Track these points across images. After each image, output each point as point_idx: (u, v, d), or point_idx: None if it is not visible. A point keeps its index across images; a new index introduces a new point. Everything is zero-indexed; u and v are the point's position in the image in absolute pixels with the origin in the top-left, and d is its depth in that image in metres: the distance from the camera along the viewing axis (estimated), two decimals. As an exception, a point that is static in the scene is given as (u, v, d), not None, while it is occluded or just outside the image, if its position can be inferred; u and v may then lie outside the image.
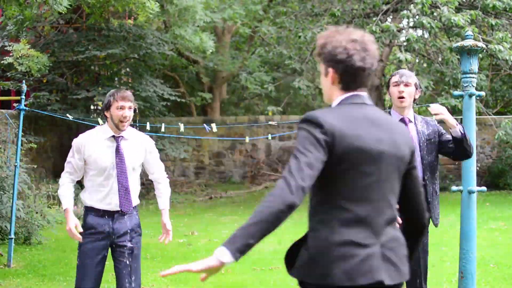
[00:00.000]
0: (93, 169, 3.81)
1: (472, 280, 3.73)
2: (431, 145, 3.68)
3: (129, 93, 3.89)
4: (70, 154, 3.88)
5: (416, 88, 3.73)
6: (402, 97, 3.65)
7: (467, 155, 3.65)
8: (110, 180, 3.78)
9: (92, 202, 3.80)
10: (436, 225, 3.72)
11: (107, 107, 3.82)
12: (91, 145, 3.81)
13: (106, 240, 3.77)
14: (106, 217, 3.77)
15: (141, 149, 3.91)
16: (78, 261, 3.80)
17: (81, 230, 3.68)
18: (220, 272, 6.65)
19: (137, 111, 13.65)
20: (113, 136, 3.83)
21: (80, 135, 3.91)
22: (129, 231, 3.83)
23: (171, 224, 4.05)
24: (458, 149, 3.63)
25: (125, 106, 3.81)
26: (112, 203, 3.79)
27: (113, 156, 3.79)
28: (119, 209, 3.79)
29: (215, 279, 6.02)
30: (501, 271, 6.27)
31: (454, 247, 7.26)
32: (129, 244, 3.82)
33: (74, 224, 3.64)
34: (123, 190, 3.79)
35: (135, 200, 3.93)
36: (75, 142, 3.85)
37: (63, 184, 3.87)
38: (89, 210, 3.82)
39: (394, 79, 3.72)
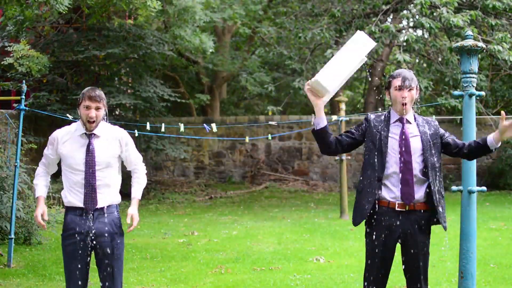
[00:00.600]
0: (67, 166, 3.79)
1: (472, 280, 3.73)
2: (433, 146, 3.58)
3: (98, 93, 3.78)
4: (46, 147, 3.91)
5: (417, 89, 3.64)
6: (405, 103, 3.55)
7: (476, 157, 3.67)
8: (82, 177, 3.77)
9: (69, 200, 3.79)
10: (445, 228, 3.63)
11: (78, 104, 3.82)
12: (65, 142, 3.80)
13: (87, 240, 3.74)
14: (85, 216, 3.73)
15: (115, 143, 3.84)
16: (64, 264, 3.81)
17: (46, 218, 3.83)
18: (220, 272, 6.66)
19: (137, 112, 13.52)
20: (85, 133, 3.79)
21: (56, 130, 3.89)
22: (109, 230, 3.76)
23: (138, 215, 3.87)
24: (476, 154, 3.63)
25: (91, 106, 3.73)
26: (81, 200, 3.76)
27: (84, 152, 3.75)
28: (95, 207, 3.74)
29: (215, 279, 6.03)
30: (501, 271, 6.27)
31: (454, 247, 7.26)
32: (109, 244, 3.76)
33: (41, 212, 3.79)
34: (89, 188, 3.72)
35: (109, 200, 3.80)
36: (51, 136, 3.87)
37: (38, 174, 3.97)
38: (68, 209, 3.81)
39: (397, 82, 3.56)
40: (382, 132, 3.59)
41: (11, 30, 11.74)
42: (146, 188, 14.81)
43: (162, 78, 15.88)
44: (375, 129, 3.62)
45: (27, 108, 7.26)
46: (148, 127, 8.47)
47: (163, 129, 8.57)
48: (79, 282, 3.75)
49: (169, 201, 13.48)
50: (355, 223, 3.64)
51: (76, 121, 4.02)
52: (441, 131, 3.69)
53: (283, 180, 16.12)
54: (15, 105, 11.32)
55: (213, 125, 8.28)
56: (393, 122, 3.62)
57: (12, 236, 6.68)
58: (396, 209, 3.53)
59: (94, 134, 3.78)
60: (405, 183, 3.51)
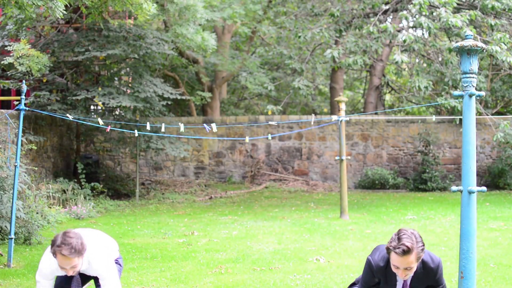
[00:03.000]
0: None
1: (472, 280, 3.72)
2: None
3: (68, 256, 3.49)
4: (38, 277, 3.81)
5: (421, 256, 3.63)
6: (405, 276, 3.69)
7: None
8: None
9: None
10: None
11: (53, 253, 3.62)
12: (54, 275, 3.82)
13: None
14: None
15: (95, 274, 3.85)
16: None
17: None
18: (220, 272, 6.66)
19: (137, 112, 13.48)
20: None
21: (43, 267, 3.77)
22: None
23: None
24: None
25: (65, 267, 3.57)
26: None
27: (71, 284, 3.85)
28: None
29: (215, 279, 6.03)
30: (501, 271, 6.27)
31: (454, 247, 7.26)
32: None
33: None
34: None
35: None
36: (41, 272, 3.77)
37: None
38: None
39: (394, 261, 3.60)
40: (386, 282, 3.79)
41: (11, 29, 11.75)
42: (146, 188, 14.88)
43: (162, 78, 15.88)
44: (380, 276, 3.79)
45: (27, 108, 7.26)
46: (148, 127, 8.47)
47: (163, 129, 8.57)
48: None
49: (169, 201, 13.48)
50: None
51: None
52: (437, 278, 3.81)
53: (283, 180, 16.12)
54: (15, 103, 11.31)
55: (213, 125, 8.28)
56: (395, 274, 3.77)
57: (12, 236, 6.68)
58: None
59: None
60: None
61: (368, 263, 3.77)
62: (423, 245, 3.58)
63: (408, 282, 3.73)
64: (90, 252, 3.70)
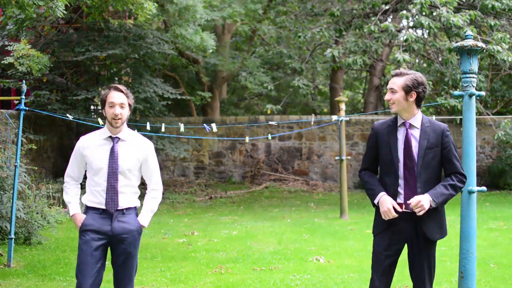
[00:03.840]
0: (90, 170, 3.85)
1: (472, 280, 3.73)
2: (431, 155, 3.59)
3: (121, 90, 3.79)
4: (72, 156, 3.94)
5: (411, 89, 3.57)
6: (389, 103, 3.67)
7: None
8: (104, 179, 3.81)
9: (91, 203, 3.84)
10: (434, 239, 3.70)
11: (103, 104, 3.82)
12: (90, 147, 3.83)
13: (105, 239, 3.80)
14: (105, 216, 3.79)
15: (138, 154, 3.87)
16: (78, 259, 3.84)
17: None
18: (220, 272, 6.65)
19: (137, 112, 13.44)
20: (110, 137, 3.82)
21: (82, 138, 3.94)
22: (128, 228, 3.83)
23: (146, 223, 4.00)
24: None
25: (115, 103, 3.75)
26: (103, 201, 3.81)
27: (108, 156, 3.78)
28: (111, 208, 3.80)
29: (215, 279, 6.03)
30: (501, 271, 6.27)
31: (454, 247, 7.26)
32: (127, 242, 3.84)
33: (79, 222, 3.83)
34: (111, 190, 3.77)
35: (130, 202, 3.89)
36: (77, 144, 3.90)
37: (67, 191, 3.95)
38: (89, 208, 3.86)
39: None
40: (389, 139, 3.67)
41: (11, 29, 11.74)
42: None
43: (162, 78, 15.87)
44: (382, 137, 3.71)
45: (27, 108, 7.26)
46: (148, 127, 8.47)
47: (163, 129, 8.57)
48: (92, 278, 3.75)
49: (169, 201, 13.49)
50: (375, 232, 3.86)
51: (102, 127, 4.06)
52: (446, 143, 3.62)
53: (283, 180, 16.12)
54: (15, 102, 11.31)
55: (213, 125, 8.28)
56: (399, 126, 3.69)
57: (12, 236, 6.67)
58: (402, 210, 3.62)
59: (119, 138, 3.82)
60: (408, 187, 3.61)
61: (372, 128, 3.81)
62: (417, 82, 3.60)
63: (412, 137, 3.62)
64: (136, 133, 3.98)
